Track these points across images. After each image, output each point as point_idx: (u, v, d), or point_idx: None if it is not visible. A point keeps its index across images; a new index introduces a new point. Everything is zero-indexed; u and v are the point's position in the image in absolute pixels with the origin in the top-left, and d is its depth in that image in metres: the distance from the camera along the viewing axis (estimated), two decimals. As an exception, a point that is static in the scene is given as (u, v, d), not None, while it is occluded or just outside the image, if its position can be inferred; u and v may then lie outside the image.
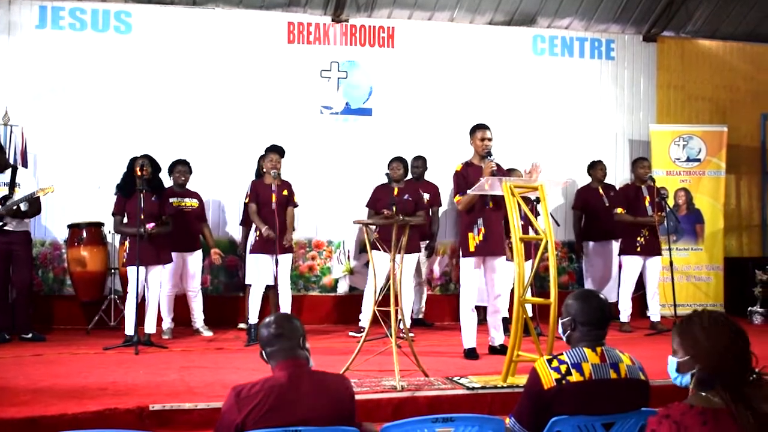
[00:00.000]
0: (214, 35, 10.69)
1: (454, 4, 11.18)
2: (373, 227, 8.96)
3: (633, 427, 3.60)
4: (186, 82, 10.58)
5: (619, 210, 10.04)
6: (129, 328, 8.62)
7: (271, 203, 8.91)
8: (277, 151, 9.19)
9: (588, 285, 10.91)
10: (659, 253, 9.90)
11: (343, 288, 10.85)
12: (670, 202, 10.81)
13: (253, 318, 9.02)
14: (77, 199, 10.04)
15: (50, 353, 8.04)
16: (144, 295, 8.75)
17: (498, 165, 7.83)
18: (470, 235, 7.90)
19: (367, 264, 9.79)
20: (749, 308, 10.69)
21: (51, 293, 10.16)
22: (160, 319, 9.21)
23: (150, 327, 8.75)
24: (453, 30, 11.40)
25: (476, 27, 11.47)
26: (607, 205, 10.47)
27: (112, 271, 9.87)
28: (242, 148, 10.31)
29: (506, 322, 8.38)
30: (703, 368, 2.89)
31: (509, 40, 11.57)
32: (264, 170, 9.19)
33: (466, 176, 7.88)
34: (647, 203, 9.92)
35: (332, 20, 10.99)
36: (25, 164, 9.67)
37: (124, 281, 9.35)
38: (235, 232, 10.48)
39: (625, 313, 10.00)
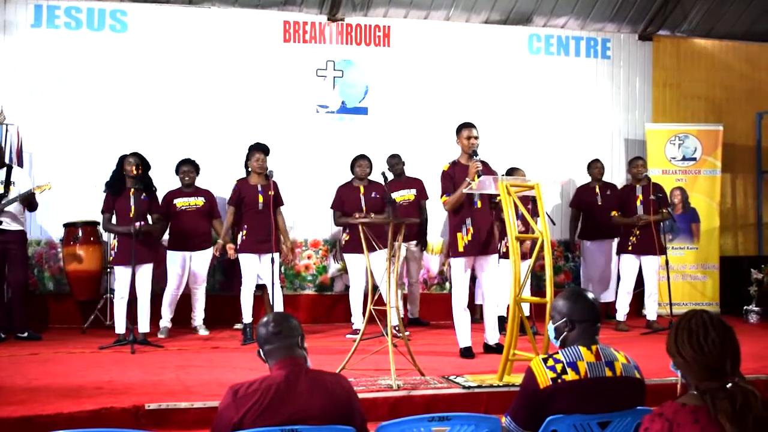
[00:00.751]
0: (209, 34, 10.68)
1: (450, 3, 11.19)
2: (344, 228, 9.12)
3: (629, 426, 3.60)
4: (182, 81, 10.57)
5: (613, 213, 10.10)
6: (120, 327, 8.64)
7: (257, 204, 8.90)
8: (262, 149, 9.17)
9: (584, 284, 10.92)
10: (656, 252, 9.87)
11: (338, 287, 10.85)
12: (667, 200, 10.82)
13: (246, 317, 9.02)
14: (73, 197, 10.04)
15: (46, 352, 8.05)
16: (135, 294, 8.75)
17: (485, 163, 7.82)
18: (459, 235, 7.88)
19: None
20: (745, 307, 10.70)
21: (47, 292, 10.15)
22: (156, 318, 9.21)
23: (143, 326, 8.75)
24: (449, 29, 11.41)
25: (472, 26, 11.48)
26: (600, 203, 10.49)
27: (108, 270, 9.85)
28: (238, 147, 10.29)
29: (503, 321, 8.38)
30: (683, 374, 2.92)
31: (505, 39, 11.57)
32: (250, 169, 9.17)
33: (453, 176, 7.87)
34: (639, 202, 9.94)
35: (328, 19, 10.99)
36: (20, 163, 9.66)
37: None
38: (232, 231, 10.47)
39: (621, 312, 10.02)
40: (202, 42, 10.66)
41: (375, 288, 7.42)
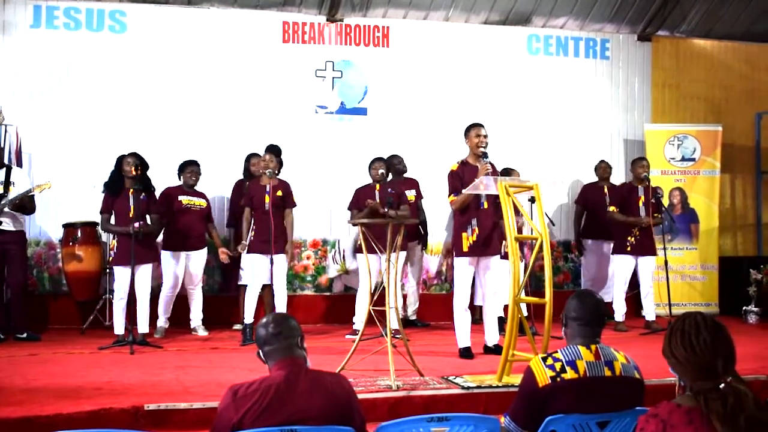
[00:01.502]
0: (209, 35, 10.69)
1: (449, 3, 11.19)
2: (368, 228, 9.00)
3: (628, 426, 3.61)
4: (181, 81, 10.58)
5: (611, 208, 10.06)
6: (119, 328, 8.64)
7: (264, 205, 8.90)
8: (273, 151, 9.18)
9: (584, 283, 10.92)
10: (653, 253, 9.90)
11: (338, 288, 10.85)
12: (665, 201, 10.82)
13: (248, 318, 9.02)
14: (72, 198, 10.04)
15: (45, 353, 8.04)
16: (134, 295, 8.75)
17: (492, 165, 7.84)
18: (464, 235, 7.89)
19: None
20: (744, 308, 10.70)
21: (46, 293, 10.15)
22: (153, 318, 9.21)
23: (142, 326, 8.75)
24: (448, 29, 11.41)
25: (471, 26, 11.48)
26: (609, 203, 10.48)
27: (107, 270, 9.85)
28: (237, 148, 10.30)
29: (502, 322, 8.38)
30: (677, 375, 2.94)
31: (504, 40, 11.58)
32: (255, 171, 9.18)
33: (461, 176, 7.86)
34: (641, 203, 9.93)
35: (327, 20, 10.99)
36: (19, 164, 9.65)
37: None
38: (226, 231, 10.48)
39: (619, 312, 10.01)
40: (201, 42, 10.67)
41: (376, 289, 7.42)
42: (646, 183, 9.94)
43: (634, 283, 10.16)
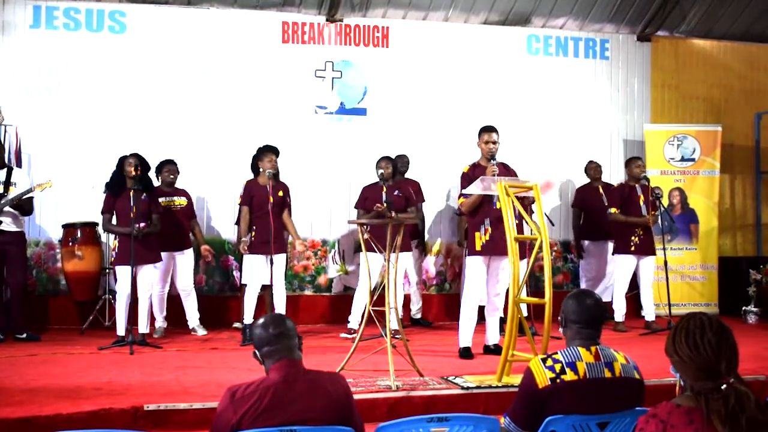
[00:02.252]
0: (208, 35, 10.69)
1: (449, 3, 11.18)
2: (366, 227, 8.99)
3: (628, 426, 3.61)
4: (181, 81, 10.57)
5: (612, 210, 10.05)
6: (120, 329, 8.64)
7: (266, 204, 8.90)
8: (274, 151, 9.19)
9: (583, 284, 10.92)
10: (653, 253, 9.91)
11: (337, 288, 10.85)
12: (665, 201, 10.81)
13: (248, 318, 9.02)
14: (71, 198, 10.04)
15: (45, 353, 8.04)
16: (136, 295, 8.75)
17: (505, 165, 7.88)
18: (477, 234, 7.93)
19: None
20: (743, 308, 10.70)
21: (45, 293, 10.15)
22: (153, 319, 9.22)
23: (143, 327, 8.75)
24: (447, 30, 11.41)
25: (471, 27, 11.48)
26: (606, 204, 10.49)
27: (107, 270, 9.85)
28: (237, 148, 10.30)
29: (502, 322, 8.39)
30: (679, 374, 2.94)
31: (504, 40, 11.58)
32: (261, 169, 9.19)
33: (472, 178, 7.85)
34: (642, 203, 9.92)
35: (327, 20, 10.99)
36: (19, 164, 9.65)
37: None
38: (227, 231, 10.47)
39: (619, 312, 10.00)
40: (200, 43, 10.67)
41: (375, 289, 7.42)
42: (644, 182, 9.94)
43: (633, 284, 10.15)
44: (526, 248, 8.88)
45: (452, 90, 11.29)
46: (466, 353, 7.93)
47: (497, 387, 6.38)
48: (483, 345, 8.16)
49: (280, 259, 8.99)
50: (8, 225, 8.86)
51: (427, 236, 10.78)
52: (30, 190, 8.81)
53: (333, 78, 11.03)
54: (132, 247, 8.39)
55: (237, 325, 9.83)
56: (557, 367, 3.71)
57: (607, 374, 3.72)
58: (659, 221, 10.04)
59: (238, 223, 9.87)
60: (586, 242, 10.96)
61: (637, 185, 10.01)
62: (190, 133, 10.50)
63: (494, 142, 7.91)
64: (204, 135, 10.54)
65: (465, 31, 11.45)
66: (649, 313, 9.99)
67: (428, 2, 11.12)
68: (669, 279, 9.96)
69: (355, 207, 9.77)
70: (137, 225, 8.50)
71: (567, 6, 11.51)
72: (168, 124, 10.47)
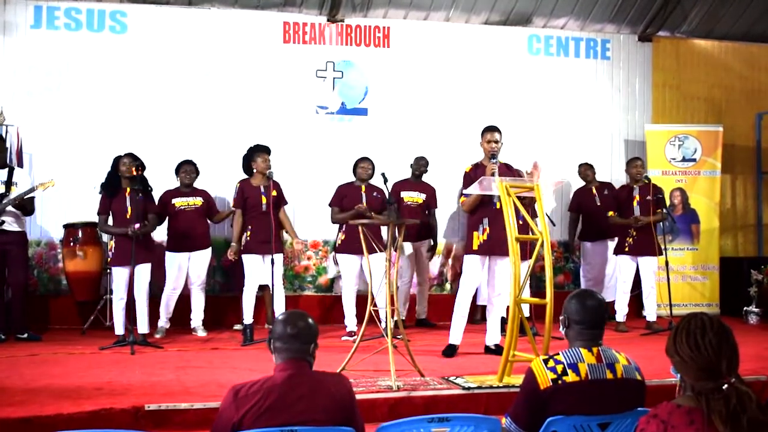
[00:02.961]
0: (209, 35, 10.69)
1: (450, 3, 11.19)
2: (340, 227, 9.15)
3: (629, 427, 3.60)
4: (181, 82, 10.58)
5: (610, 213, 10.09)
6: (119, 328, 8.65)
7: (261, 205, 8.91)
8: (267, 150, 9.19)
9: (584, 285, 10.92)
10: (653, 253, 9.88)
11: (338, 288, 10.84)
12: (666, 201, 10.80)
13: (247, 318, 9.02)
14: (73, 199, 10.05)
15: (46, 353, 8.04)
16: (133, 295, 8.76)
17: (507, 165, 7.91)
18: (475, 233, 7.96)
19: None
20: (745, 308, 10.70)
21: (46, 293, 10.15)
22: (155, 318, 9.21)
23: (142, 326, 8.74)
24: (448, 30, 11.41)
25: (472, 27, 11.48)
26: (599, 204, 10.50)
27: (108, 270, 9.84)
28: (237, 148, 10.29)
29: (503, 322, 8.39)
30: (680, 374, 2.94)
31: (505, 40, 11.58)
32: (255, 170, 9.18)
33: (473, 178, 7.87)
34: (635, 203, 9.93)
35: (328, 20, 11.00)
36: (20, 164, 9.66)
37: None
38: (231, 231, 10.46)
39: (621, 312, 10.01)
40: (201, 43, 10.67)
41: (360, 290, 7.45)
42: (643, 183, 9.94)
43: (635, 284, 10.15)
44: (527, 249, 8.87)
45: (453, 90, 11.30)
46: (448, 350, 8.01)
47: (498, 387, 6.37)
48: (483, 345, 8.16)
49: (278, 258, 9.00)
50: (10, 225, 8.86)
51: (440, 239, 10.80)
52: (32, 189, 8.82)
53: (334, 78, 11.03)
54: (132, 248, 8.39)
55: (237, 327, 9.82)
56: (559, 368, 3.70)
57: (609, 375, 3.71)
58: (662, 222, 10.02)
59: (233, 225, 9.89)
60: (587, 244, 10.94)
61: (635, 186, 10.02)
62: (191, 133, 10.51)
63: (496, 142, 7.91)
64: (205, 135, 10.54)
65: (466, 31, 11.45)
66: (650, 314, 9.99)
67: (429, 2, 11.12)
68: (670, 279, 9.96)
69: (330, 205, 9.66)
70: (133, 226, 8.49)
71: (568, 6, 11.51)
72: (169, 125, 10.48)
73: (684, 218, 11.44)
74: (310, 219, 10.65)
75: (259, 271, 8.99)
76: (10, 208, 8.79)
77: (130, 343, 8.20)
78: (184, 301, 9.67)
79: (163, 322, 9.48)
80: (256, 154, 9.17)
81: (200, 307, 9.68)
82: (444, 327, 10.17)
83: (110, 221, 8.87)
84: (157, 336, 9.26)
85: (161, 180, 9.51)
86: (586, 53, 11.88)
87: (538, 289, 10.12)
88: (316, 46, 11.00)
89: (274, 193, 9.05)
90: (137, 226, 8.54)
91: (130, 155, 8.83)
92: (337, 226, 9.65)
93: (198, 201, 9.64)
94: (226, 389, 3.51)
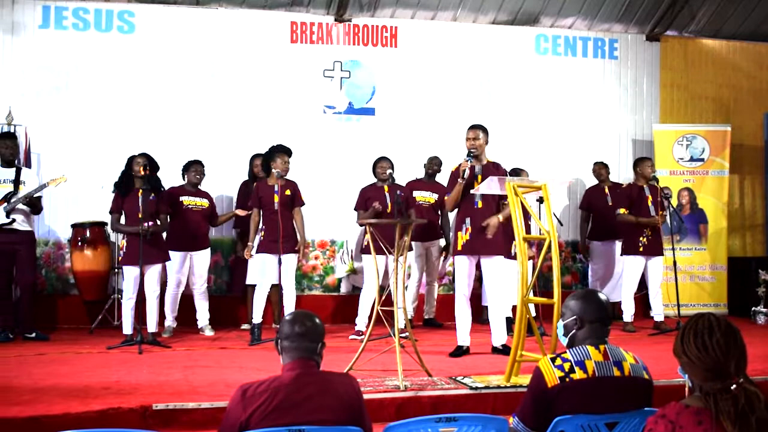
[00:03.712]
0: (217, 35, 10.70)
1: (457, 3, 11.18)
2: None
3: (637, 426, 3.60)
4: (189, 82, 10.60)
5: (621, 210, 10.01)
6: (127, 328, 8.66)
7: (273, 204, 8.92)
8: (287, 152, 9.19)
9: (592, 284, 10.91)
10: (661, 253, 9.87)
11: (345, 288, 10.86)
12: (674, 201, 10.79)
13: (256, 318, 9.03)
14: (81, 198, 10.06)
15: (53, 352, 8.06)
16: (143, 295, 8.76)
17: (495, 164, 7.92)
18: (459, 233, 8.04)
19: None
20: (753, 308, 10.68)
21: (54, 292, 10.18)
22: (162, 318, 9.23)
23: (151, 326, 8.76)
24: (456, 29, 11.40)
25: (479, 26, 11.48)
26: (610, 204, 10.47)
27: (116, 270, 9.87)
28: (245, 148, 10.31)
29: (510, 322, 8.39)
30: (688, 375, 2.93)
31: (512, 40, 11.57)
32: (273, 170, 9.18)
33: (456, 175, 7.96)
34: (650, 203, 9.89)
35: (335, 20, 11.00)
36: (28, 164, 9.69)
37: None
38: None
39: (628, 312, 9.98)
40: (209, 43, 10.68)
41: (382, 289, 7.43)
42: (654, 182, 9.91)
43: (642, 284, 10.13)
44: (534, 248, 8.88)
45: (460, 90, 11.30)
46: (456, 351, 8.05)
47: (506, 387, 6.36)
48: (490, 345, 8.16)
49: (289, 258, 8.99)
50: (20, 224, 8.88)
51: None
52: (43, 186, 8.84)
53: (341, 78, 11.04)
54: (140, 246, 8.41)
55: (245, 326, 9.83)
56: (566, 366, 3.70)
57: (616, 373, 3.70)
58: (668, 221, 10.03)
59: (236, 225, 9.91)
60: (595, 243, 10.93)
61: (645, 185, 9.97)
62: (199, 132, 10.52)
63: (474, 139, 7.96)
64: (212, 135, 10.55)
65: (473, 30, 11.45)
66: (657, 314, 9.97)
67: (437, 2, 11.12)
68: (678, 279, 9.93)
69: (355, 209, 9.68)
70: (144, 224, 8.51)
71: (576, 6, 11.50)
72: (176, 124, 10.49)
73: (692, 218, 11.42)
74: (317, 219, 10.64)
75: (271, 270, 8.99)
76: (20, 206, 8.82)
77: (138, 342, 8.20)
78: (191, 301, 9.68)
79: (170, 322, 9.49)
80: (276, 154, 9.17)
81: (205, 307, 9.69)
82: (451, 327, 10.21)
83: (122, 220, 8.88)
84: (165, 335, 9.27)
85: (168, 179, 9.51)
86: (594, 53, 11.87)
87: (545, 288, 10.11)
88: (324, 46, 11.01)
89: (287, 192, 9.04)
90: (148, 224, 8.56)
91: (144, 155, 8.84)
92: (362, 227, 9.65)
93: (204, 203, 9.67)
94: (234, 389, 3.51)
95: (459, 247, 8.00)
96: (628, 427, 3.62)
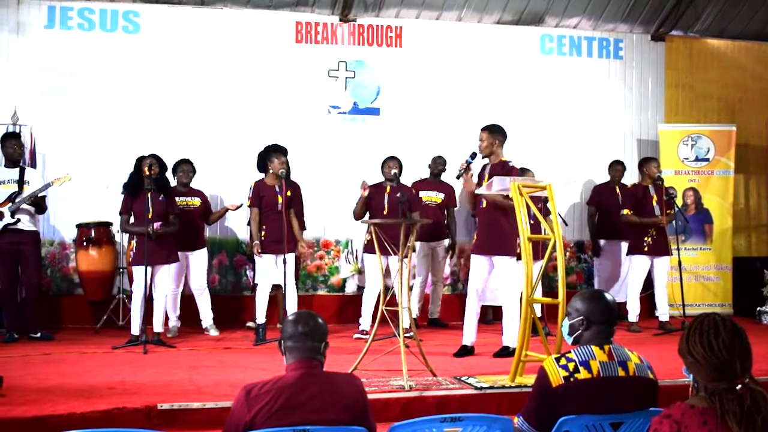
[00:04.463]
0: (222, 35, 10.71)
1: (462, 3, 11.18)
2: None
3: (642, 427, 3.59)
4: (194, 81, 10.60)
5: (625, 211, 10.01)
6: (135, 328, 8.66)
7: (276, 205, 8.92)
8: (283, 151, 9.19)
9: (597, 283, 10.90)
10: (667, 253, 9.86)
11: (351, 288, 10.86)
12: (679, 201, 10.78)
13: (260, 318, 9.03)
14: (85, 198, 10.07)
15: (58, 352, 8.07)
16: (151, 295, 8.76)
17: (503, 164, 7.91)
18: (475, 233, 8.16)
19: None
20: (758, 308, 10.68)
21: (59, 293, 10.19)
22: (166, 318, 9.23)
23: (157, 326, 8.76)
24: (461, 29, 11.40)
25: (484, 26, 11.47)
26: (621, 204, 10.42)
27: (121, 270, 9.88)
28: (250, 148, 10.30)
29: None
30: (693, 375, 2.93)
31: (517, 40, 11.57)
32: (271, 170, 9.18)
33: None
34: (654, 203, 9.88)
35: (340, 20, 11.00)
36: (33, 164, 9.71)
37: (132, 281, 9.34)
38: (242, 231, 10.48)
39: (633, 312, 9.97)
40: (214, 43, 10.69)
41: (387, 289, 7.43)
42: (659, 182, 9.90)
43: (647, 284, 10.12)
44: (539, 249, 8.86)
45: (465, 90, 11.29)
46: (460, 351, 8.05)
47: (510, 387, 6.37)
48: (495, 345, 8.15)
49: (291, 258, 9.01)
50: (25, 224, 8.90)
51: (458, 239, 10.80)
52: (48, 185, 8.86)
53: (346, 78, 11.04)
54: (146, 248, 8.42)
55: (250, 324, 9.83)
56: (570, 366, 3.70)
57: (621, 373, 3.71)
58: (674, 222, 10.02)
59: (249, 224, 9.88)
60: (602, 241, 10.92)
61: (650, 185, 9.96)
62: (203, 132, 10.53)
63: (480, 141, 8.05)
64: (217, 135, 10.56)
65: (478, 30, 11.44)
66: (663, 314, 9.95)
67: (441, 2, 11.12)
68: (683, 279, 9.92)
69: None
70: (153, 225, 8.51)
71: (580, 6, 11.49)
72: (181, 124, 10.49)
73: (697, 218, 11.41)
74: (322, 218, 10.67)
75: (273, 270, 8.99)
76: (24, 206, 8.83)
77: (143, 342, 8.21)
78: (194, 301, 9.68)
79: (173, 322, 9.49)
80: (272, 154, 9.17)
81: (207, 307, 9.67)
82: (456, 327, 10.21)
83: (132, 221, 8.88)
84: (170, 335, 9.27)
85: (173, 180, 9.52)
86: (599, 53, 11.86)
87: (550, 288, 10.10)
88: (329, 46, 11.01)
89: (289, 193, 9.05)
90: (157, 225, 8.56)
91: (153, 156, 8.84)
92: (365, 226, 9.64)
93: (196, 201, 9.67)
94: (238, 389, 3.52)
95: (473, 247, 8.13)
96: (633, 427, 3.62)
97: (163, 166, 8.88)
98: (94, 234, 9.70)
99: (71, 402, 5.69)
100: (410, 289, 9.67)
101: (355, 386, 3.59)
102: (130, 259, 8.99)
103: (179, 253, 9.38)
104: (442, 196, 10.29)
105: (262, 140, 9.75)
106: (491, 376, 6.77)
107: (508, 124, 8.21)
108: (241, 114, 10.69)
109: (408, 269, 7.27)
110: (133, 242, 8.87)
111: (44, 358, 7.78)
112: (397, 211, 8.81)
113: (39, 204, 8.99)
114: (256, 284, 9.44)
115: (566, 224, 10.71)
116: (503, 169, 7.88)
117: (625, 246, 10.47)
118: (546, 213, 8.64)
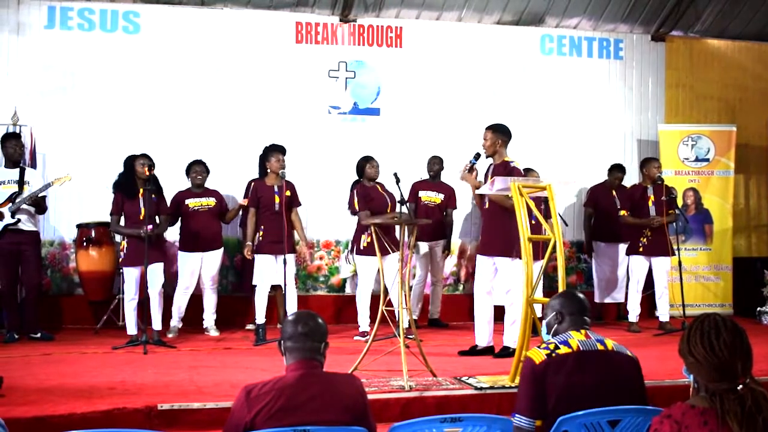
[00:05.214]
0: (222, 35, 10.71)
1: (462, 3, 11.18)
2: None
3: (641, 425, 3.60)
4: (194, 82, 10.60)
5: (622, 212, 10.05)
6: (131, 328, 8.67)
7: (274, 205, 8.91)
8: (281, 150, 9.19)
9: (596, 285, 10.89)
10: (667, 253, 9.85)
11: (350, 288, 10.85)
12: (679, 202, 10.77)
13: (260, 318, 9.04)
14: (85, 198, 10.07)
15: (59, 353, 8.07)
16: (147, 294, 8.77)
17: (505, 164, 7.90)
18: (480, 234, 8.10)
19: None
20: (758, 309, 10.68)
21: (59, 293, 10.18)
22: (167, 318, 9.23)
23: (156, 325, 8.76)
24: (461, 30, 11.40)
25: (484, 27, 11.47)
26: (618, 206, 10.42)
27: (121, 270, 9.87)
28: (250, 148, 10.30)
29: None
30: (694, 375, 2.94)
31: (517, 40, 11.56)
32: (269, 170, 9.18)
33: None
34: (651, 203, 9.90)
35: (340, 20, 11.00)
36: (33, 164, 9.71)
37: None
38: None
39: (633, 313, 9.98)
40: (214, 43, 10.68)
41: (386, 290, 7.42)
42: (659, 183, 9.90)
43: (647, 284, 10.12)
44: (539, 249, 8.86)
45: (466, 90, 11.29)
46: (469, 350, 8.09)
47: (510, 387, 6.36)
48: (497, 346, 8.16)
49: (291, 259, 9.02)
50: (25, 224, 8.91)
51: (454, 239, 10.79)
52: (48, 185, 8.86)
53: (346, 78, 11.04)
54: (146, 249, 8.42)
55: (250, 326, 9.83)
56: (551, 346, 3.91)
57: (600, 347, 3.90)
58: (675, 222, 10.01)
59: (242, 225, 9.86)
60: (600, 244, 10.90)
61: (649, 186, 9.97)
62: (204, 133, 10.52)
63: (483, 140, 8.06)
64: (217, 135, 10.56)
65: (478, 31, 11.44)
66: (663, 314, 9.95)
67: (442, 2, 11.12)
68: (683, 279, 9.92)
69: (360, 209, 9.31)
70: (145, 227, 8.50)
71: (581, 6, 11.49)
72: (181, 124, 10.49)
73: (697, 218, 11.41)
74: (322, 219, 10.67)
75: (272, 271, 8.99)
76: (24, 206, 8.83)
77: (143, 342, 8.22)
78: (196, 301, 9.67)
79: (175, 322, 9.48)
80: (270, 153, 9.18)
81: (212, 307, 9.68)
82: (456, 327, 10.23)
83: (122, 222, 8.89)
84: (170, 336, 9.27)
85: (173, 180, 9.52)
86: (599, 53, 11.85)
87: (550, 289, 10.10)
88: (329, 46, 11.01)
89: (287, 193, 9.05)
90: (150, 227, 8.55)
91: (145, 155, 8.84)
92: (357, 227, 9.61)
93: (211, 201, 9.65)
94: (239, 389, 3.52)
95: (477, 248, 8.25)
96: (632, 426, 3.62)
97: (152, 165, 8.86)
98: (94, 234, 9.70)
99: (71, 402, 5.69)
100: (409, 289, 9.69)
101: (355, 386, 3.59)
102: (121, 260, 8.99)
103: (195, 253, 9.38)
104: (441, 196, 10.29)
105: (262, 140, 9.75)
106: (491, 376, 6.77)
107: (509, 124, 8.20)
108: (241, 114, 10.69)
109: (408, 269, 7.26)
110: (124, 243, 8.86)
111: (44, 358, 7.78)
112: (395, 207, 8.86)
113: (39, 204, 9.00)
114: (255, 285, 9.45)
115: (566, 225, 10.70)
116: (505, 169, 7.88)
117: (623, 247, 10.48)
118: (547, 214, 8.64)
